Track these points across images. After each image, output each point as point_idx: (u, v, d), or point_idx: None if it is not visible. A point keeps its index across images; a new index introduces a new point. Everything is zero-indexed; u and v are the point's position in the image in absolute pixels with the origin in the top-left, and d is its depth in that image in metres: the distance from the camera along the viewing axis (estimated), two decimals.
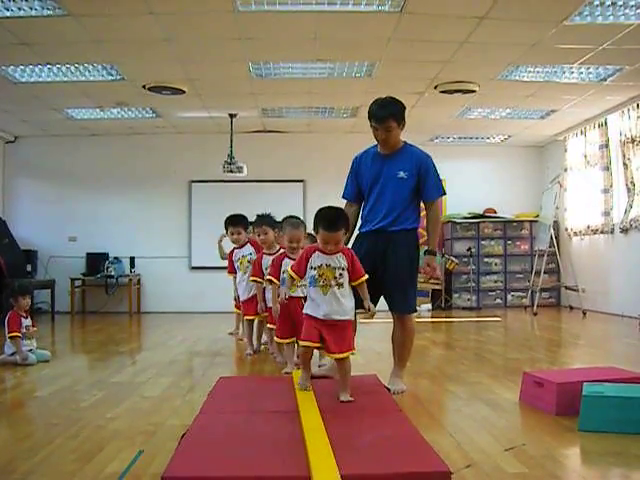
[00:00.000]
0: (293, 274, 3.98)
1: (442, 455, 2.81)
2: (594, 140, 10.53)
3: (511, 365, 5.73)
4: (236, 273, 6.65)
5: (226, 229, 6.74)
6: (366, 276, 3.92)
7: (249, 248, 6.59)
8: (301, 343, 3.95)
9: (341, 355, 3.83)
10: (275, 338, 5.45)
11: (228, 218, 6.72)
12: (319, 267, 3.83)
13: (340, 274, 3.83)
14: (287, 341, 5.29)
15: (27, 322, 6.06)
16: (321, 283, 3.82)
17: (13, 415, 4.09)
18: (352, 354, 3.85)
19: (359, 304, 4.03)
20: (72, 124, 10.84)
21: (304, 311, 3.97)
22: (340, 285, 3.83)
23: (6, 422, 3.86)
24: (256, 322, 6.34)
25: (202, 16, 6.36)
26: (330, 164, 11.21)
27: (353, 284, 3.90)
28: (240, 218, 6.69)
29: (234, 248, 6.71)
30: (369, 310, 3.96)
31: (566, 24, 6.43)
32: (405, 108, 4.48)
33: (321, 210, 3.88)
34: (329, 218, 3.80)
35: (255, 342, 6.37)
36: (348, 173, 4.75)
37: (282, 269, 5.13)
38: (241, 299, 6.50)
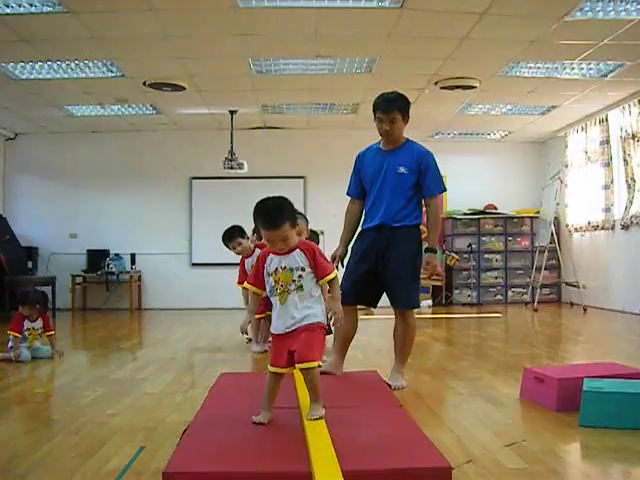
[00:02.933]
0: (252, 288, 3.34)
1: (443, 451, 2.82)
2: (595, 136, 10.52)
3: (511, 361, 5.73)
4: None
5: (227, 246, 6.54)
6: (335, 272, 3.30)
7: (258, 252, 6.35)
8: (269, 369, 3.26)
9: (303, 365, 3.14)
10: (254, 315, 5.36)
11: (223, 236, 6.52)
12: (274, 272, 3.21)
13: (299, 275, 3.20)
14: (260, 316, 5.32)
15: (34, 325, 6.07)
16: (278, 290, 3.20)
17: (14, 411, 4.10)
18: (319, 366, 3.17)
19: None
20: (72, 121, 10.84)
21: (271, 330, 3.35)
22: (299, 288, 3.19)
23: (8, 418, 3.86)
24: (262, 322, 6.28)
25: (202, 12, 6.35)
26: (331, 160, 11.21)
27: (320, 283, 3.27)
28: (233, 230, 6.48)
29: (243, 257, 6.54)
30: (331, 317, 3.51)
31: (567, 20, 6.43)
32: (410, 104, 4.49)
33: (257, 204, 3.25)
34: (265, 214, 3.18)
35: (261, 342, 6.33)
36: (352, 170, 4.75)
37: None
38: None
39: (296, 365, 3.17)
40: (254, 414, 3.17)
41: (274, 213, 3.16)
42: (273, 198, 3.24)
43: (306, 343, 3.17)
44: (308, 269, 3.21)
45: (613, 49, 7.24)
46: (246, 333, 6.28)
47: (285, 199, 3.27)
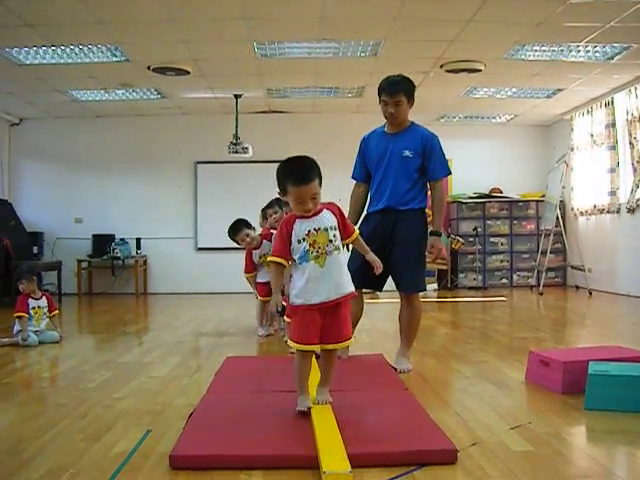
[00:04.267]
0: (279, 259, 3.14)
1: (448, 433, 2.84)
2: (600, 119, 10.47)
3: (517, 344, 5.74)
4: (254, 271, 6.44)
5: (234, 241, 6.49)
6: (357, 230, 3.36)
7: (266, 244, 6.33)
8: (298, 347, 3.10)
9: (339, 345, 3.15)
10: (285, 318, 5.42)
11: (229, 232, 6.46)
12: (307, 235, 3.07)
13: (334, 235, 3.11)
14: (266, 299, 5.27)
15: (39, 303, 6.11)
16: (314, 254, 3.06)
17: (22, 395, 4.12)
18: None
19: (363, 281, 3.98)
20: (77, 106, 10.83)
21: (293, 301, 3.13)
22: (337, 249, 3.11)
23: (15, 402, 3.88)
24: (267, 305, 6.26)
25: None
26: (335, 144, 11.17)
27: (346, 242, 3.28)
28: (238, 224, 6.42)
29: (250, 249, 6.48)
30: (375, 265, 3.42)
31: (572, 2, 6.38)
32: (415, 87, 4.48)
33: (284, 163, 3.18)
34: (296, 168, 3.11)
35: (267, 325, 6.34)
36: (357, 154, 4.74)
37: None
38: (258, 280, 6.38)
39: (331, 344, 3.11)
40: (260, 397, 3.18)
41: (305, 167, 3.11)
42: (299, 156, 3.19)
43: (345, 318, 3.14)
44: (338, 228, 3.16)
45: (619, 31, 7.19)
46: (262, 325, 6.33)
47: (309, 158, 3.21)
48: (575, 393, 3.57)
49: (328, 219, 3.12)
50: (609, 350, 4.23)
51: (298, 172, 3.07)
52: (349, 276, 3.20)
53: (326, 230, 3.08)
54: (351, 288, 3.17)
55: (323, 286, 3.07)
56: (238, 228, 6.32)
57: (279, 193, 3.20)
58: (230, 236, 6.39)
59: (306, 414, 3.04)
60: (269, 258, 3.23)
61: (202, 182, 12.03)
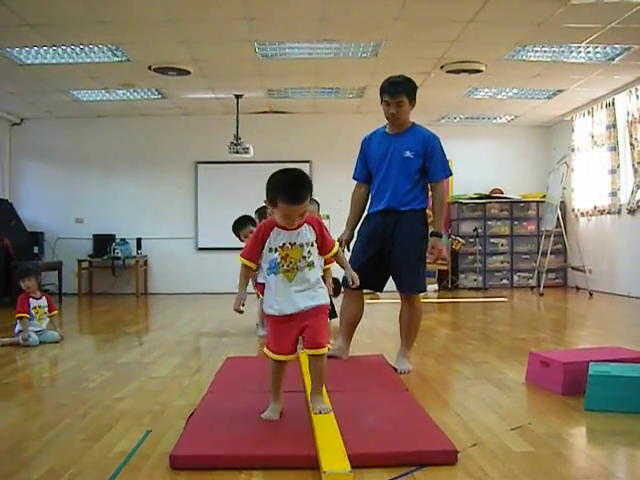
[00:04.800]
0: (247, 262, 3.09)
1: (448, 434, 2.84)
2: (601, 120, 10.48)
3: (517, 345, 5.74)
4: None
5: (237, 235, 6.51)
6: (337, 244, 3.23)
7: None
8: (270, 356, 3.09)
9: (315, 351, 3.05)
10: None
11: (233, 226, 6.49)
12: (281, 247, 3.01)
13: (309, 251, 3.04)
14: None
15: (40, 302, 6.12)
16: (285, 267, 3.02)
17: (22, 395, 4.12)
18: (328, 349, 3.10)
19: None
20: (78, 106, 10.83)
21: (265, 311, 3.15)
22: (311, 265, 3.05)
23: (16, 402, 3.88)
24: None
25: None
26: (336, 144, 11.21)
27: (326, 257, 3.23)
28: (244, 219, 6.43)
29: None
30: (353, 282, 3.35)
31: (573, 3, 6.38)
32: (417, 88, 4.47)
33: (277, 176, 3.03)
34: (293, 187, 2.95)
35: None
36: (358, 154, 4.74)
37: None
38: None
39: (306, 351, 3.06)
40: (261, 397, 3.18)
41: (299, 185, 2.97)
42: (294, 170, 3.04)
43: (318, 326, 3.05)
44: (315, 244, 3.08)
45: (620, 32, 7.19)
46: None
47: (303, 172, 3.09)
48: (575, 394, 3.57)
49: (305, 235, 3.04)
50: (609, 351, 4.23)
51: (292, 191, 2.95)
52: (322, 290, 3.11)
53: (301, 246, 3.02)
54: (322, 301, 3.08)
55: (291, 300, 3.02)
56: (244, 224, 6.34)
57: (265, 202, 3.08)
58: (234, 230, 6.41)
59: (305, 416, 3.04)
60: (237, 256, 3.15)
61: (203, 182, 12.03)
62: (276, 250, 3.02)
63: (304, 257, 3.02)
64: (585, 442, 3.03)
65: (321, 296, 3.09)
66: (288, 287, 3.03)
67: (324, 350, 3.05)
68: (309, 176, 3.12)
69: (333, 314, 5.63)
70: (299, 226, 3.03)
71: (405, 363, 4.47)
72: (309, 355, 3.08)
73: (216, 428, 2.92)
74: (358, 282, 3.37)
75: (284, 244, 3.01)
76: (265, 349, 3.12)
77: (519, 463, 2.58)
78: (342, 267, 3.38)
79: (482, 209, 12.10)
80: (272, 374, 3.10)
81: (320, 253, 3.13)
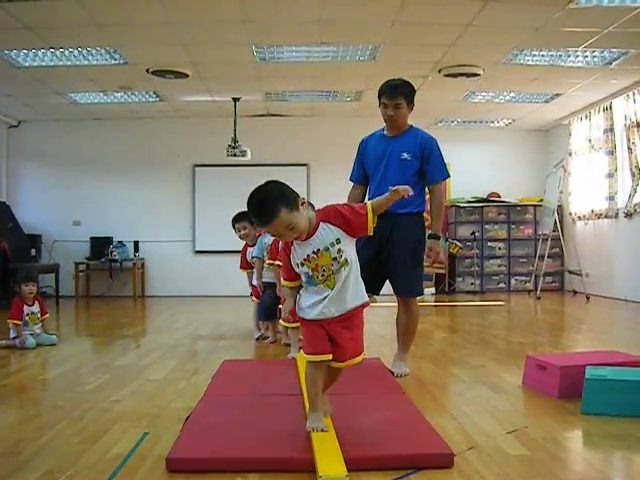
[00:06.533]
0: (290, 284, 2.99)
1: (445, 437, 2.84)
2: (599, 124, 10.49)
3: (514, 349, 5.74)
4: (250, 269, 6.45)
5: (233, 227, 6.51)
6: (369, 205, 2.93)
7: (257, 246, 6.33)
8: (309, 359, 2.89)
9: (353, 361, 2.93)
10: (280, 322, 5.43)
11: (233, 218, 6.49)
12: (307, 260, 2.84)
13: (338, 250, 2.83)
14: (292, 325, 4.90)
15: (33, 309, 6.12)
16: (321, 278, 2.84)
17: (19, 397, 4.12)
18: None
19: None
20: (75, 108, 10.83)
21: (299, 314, 2.96)
22: (345, 263, 2.85)
23: (13, 404, 3.89)
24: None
25: None
26: (334, 148, 11.21)
27: (372, 225, 2.91)
28: (242, 214, 6.45)
29: (246, 245, 6.51)
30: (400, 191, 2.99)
31: (571, 7, 6.39)
32: (415, 91, 4.49)
33: (248, 200, 2.84)
34: (252, 210, 2.82)
35: (262, 328, 6.34)
36: (355, 156, 4.75)
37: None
38: (253, 283, 6.39)
39: (346, 361, 2.91)
40: (257, 400, 3.18)
41: (260, 208, 2.78)
42: (257, 191, 2.82)
43: (357, 333, 2.95)
44: (344, 234, 2.86)
45: (618, 37, 7.20)
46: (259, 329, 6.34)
47: (274, 183, 2.84)
48: (572, 397, 3.57)
49: (327, 235, 2.83)
50: (606, 355, 4.24)
51: (253, 214, 2.84)
52: (361, 286, 2.98)
53: (327, 249, 2.82)
54: (361, 300, 2.95)
55: (332, 305, 2.86)
56: (241, 217, 6.36)
57: None
58: (233, 222, 6.45)
59: (302, 419, 3.04)
60: (283, 283, 3.04)
61: (200, 185, 12.02)
62: (302, 264, 2.85)
63: (335, 259, 2.82)
64: (581, 446, 3.04)
65: (360, 295, 2.94)
66: (331, 294, 2.85)
67: (358, 359, 2.96)
68: (280, 185, 2.84)
69: None
70: (314, 230, 2.84)
71: (402, 366, 4.48)
72: (332, 367, 2.96)
73: (212, 431, 2.93)
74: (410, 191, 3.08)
75: (308, 255, 2.83)
76: (305, 355, 2.91)
77: (515, 466, 2.59)
78: (387, 202, 2.99)
79: (479, 213, 12.11)
80: (312, 378, 2.91)
81: (354, 235, 2.91)
